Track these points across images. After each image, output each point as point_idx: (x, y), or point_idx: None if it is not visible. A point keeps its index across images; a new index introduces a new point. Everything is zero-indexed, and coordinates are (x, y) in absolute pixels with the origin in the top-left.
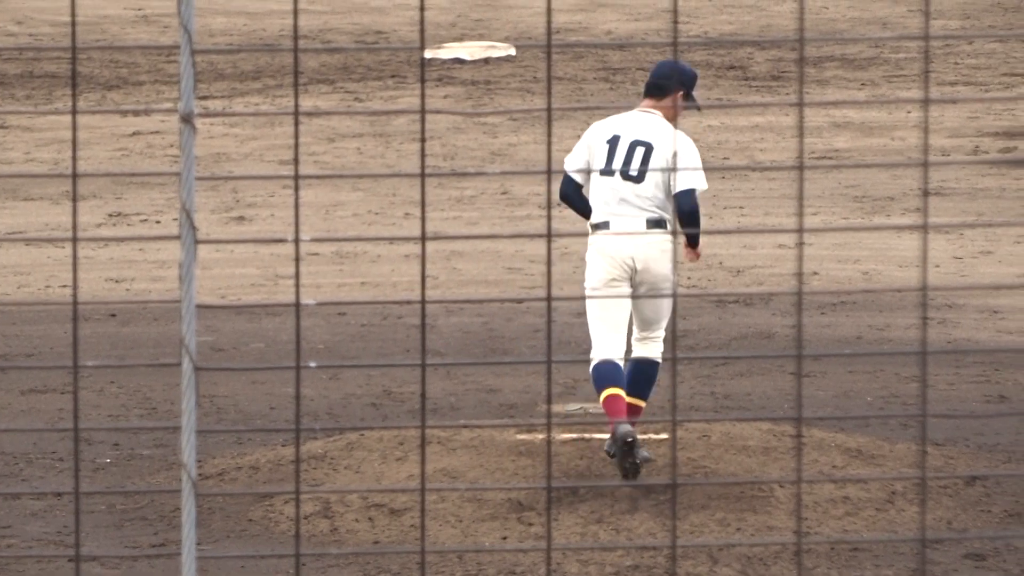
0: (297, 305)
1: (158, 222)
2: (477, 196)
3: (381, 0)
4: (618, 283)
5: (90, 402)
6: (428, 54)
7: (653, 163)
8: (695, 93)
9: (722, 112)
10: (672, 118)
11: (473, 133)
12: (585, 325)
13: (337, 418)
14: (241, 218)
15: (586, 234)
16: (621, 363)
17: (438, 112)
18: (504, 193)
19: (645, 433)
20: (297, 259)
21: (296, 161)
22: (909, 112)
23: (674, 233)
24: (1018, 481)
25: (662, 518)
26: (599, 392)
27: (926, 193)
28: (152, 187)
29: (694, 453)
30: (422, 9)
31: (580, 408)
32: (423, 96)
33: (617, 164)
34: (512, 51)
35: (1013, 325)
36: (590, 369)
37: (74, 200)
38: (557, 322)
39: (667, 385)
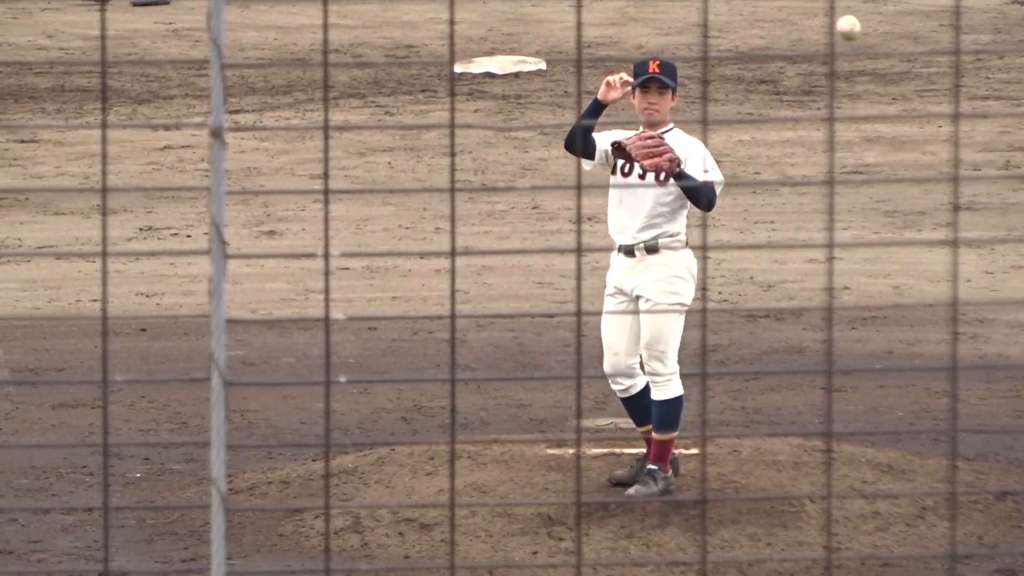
0: (327, 320)
1: (189, 236)
2: (508, 211)
3: (412, 14)
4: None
5: (120, 417)
6: (459, 68)
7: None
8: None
9: (753, 127)
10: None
11: (504, 147)
12: None
13: (367, 433)
14: (272, 232)
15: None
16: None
17: (468, 126)
18: (535, 208)
19: (676, 448)
20: (327, 273)
21: (326, 175)
22: (940, 127)
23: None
24: None
25: (692, 533)
26: (677, 429)
27: (957, 208)
28: (183, 201)
29: (724, 468)
30: (452, 23)
31: (610, 423)
32: (453, 110)
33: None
34: (543, 65)
35: None
36: (679, 394)
37: (104, 214)
38: (587, 337)
39: (697, 400)
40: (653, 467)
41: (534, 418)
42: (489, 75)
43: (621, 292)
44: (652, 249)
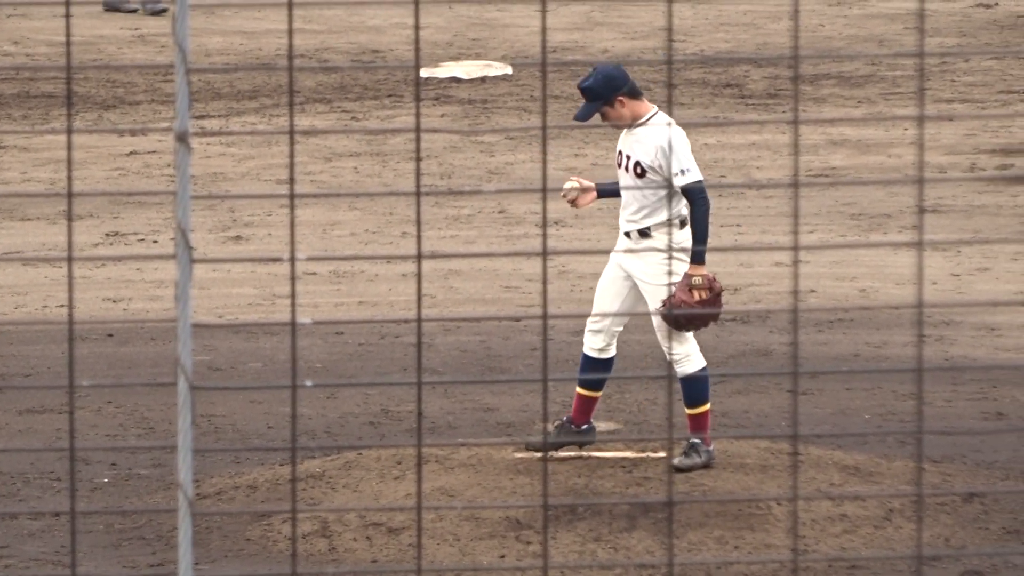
0: (293, 324)
1: (155, 241)
2: (474, 215)
3: (378, 19)
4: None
5: (87, 422)
6: (424, 73)
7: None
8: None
9: (718, 130)
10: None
11: (470, 152)
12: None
13: (335, 437)
14: (238, 237)
15: (583, 252)
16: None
17: (434, 131)
18: (501, 212)
19: (643, 452)
20: (293, 278)
21: (292, 180)
22: (906, 129)
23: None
24: (1016, 498)
25: (660, 536)
26: (708, 401)
27: (922, 210)
28: (149, 207)
29: (691, 471)
30: (417, 28)
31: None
32: (418, 115)
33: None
34: (509, 70)
35: (1010, 342)
36: (702, 366)
37: (69, 220)
38: (554, 340)
39: (663, 403)
40: (696, 440)
41: (501, 422)
42: (455, 80)
43: (621, 267)
44: (644, 234)
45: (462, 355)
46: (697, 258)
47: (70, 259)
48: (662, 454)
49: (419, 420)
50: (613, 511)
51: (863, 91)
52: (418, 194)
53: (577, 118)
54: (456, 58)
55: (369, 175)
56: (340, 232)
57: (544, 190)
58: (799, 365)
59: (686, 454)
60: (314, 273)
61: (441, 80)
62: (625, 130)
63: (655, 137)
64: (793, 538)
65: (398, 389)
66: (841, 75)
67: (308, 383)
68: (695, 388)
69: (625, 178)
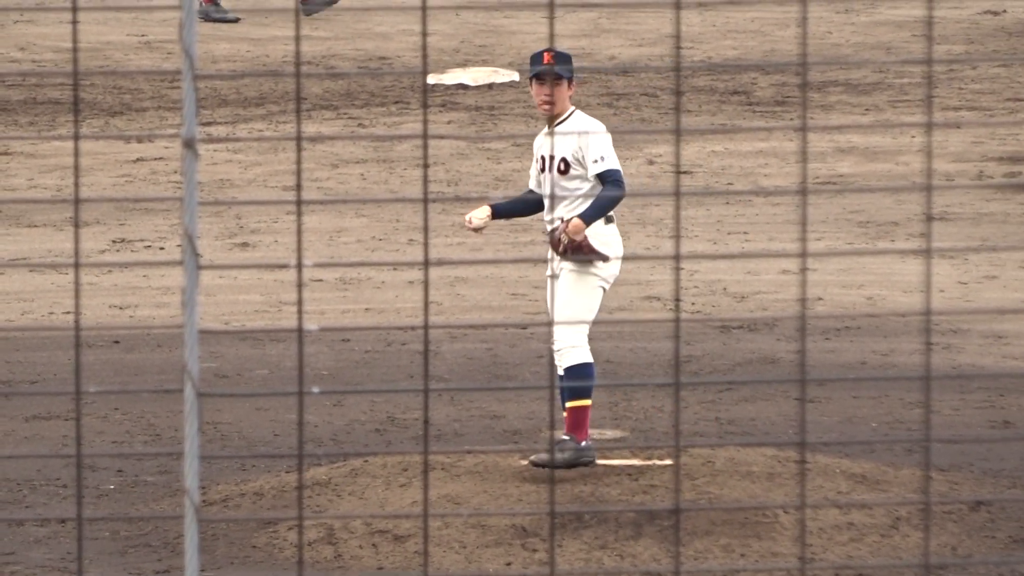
0: (300, 331)
1: (162, 248)
2: None
3: (385, 26)
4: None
5: (94, 428)
6: (431, 80)
7: None
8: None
9: (726, 137)
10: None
11: (477, 159)
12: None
13: (341, 444)
14: (245, 244)
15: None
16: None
17: (441, 138)
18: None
19: (649, 459)
20: (300, 285)
21: (299, 187)
22: (913, 137)
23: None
24: (1023, 506)
25: (666, 544)
26: (586, 397)
27: (930, 218)
28: (156, 213)
29: (698, 479)
30: (424, 35)
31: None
32: (426, 122)
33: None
34: (516, 77)
35: (1018, 350)
36: (586, 366)
37: (76, 226)
38: None
39: (671, 411)
40: (565, 437)
41: (508, 429)
42: (462, 86)
43: (555, 276)
44: None
45: (469, 362)
46: (582, 217)
47: (77, 265)
48: (668, 462)
49: (426, 427)
50: (619, 519)
51: (871, 98)
52: (425, 201)
53: (555, 71)
54: (463, 65)
55: (376, 182)
56: (347, 239)
57: (552, 197)
58: (806, 373)
59: (548, 451)
60: (321, 280)
61: (448, 87)
62: (543, 132)
63: (574, 128)
64: (800, 546)
65: (404, 396)
66: (849, 82)
67: (315, 390)
68: (579, 379)
69: (550, 180)
